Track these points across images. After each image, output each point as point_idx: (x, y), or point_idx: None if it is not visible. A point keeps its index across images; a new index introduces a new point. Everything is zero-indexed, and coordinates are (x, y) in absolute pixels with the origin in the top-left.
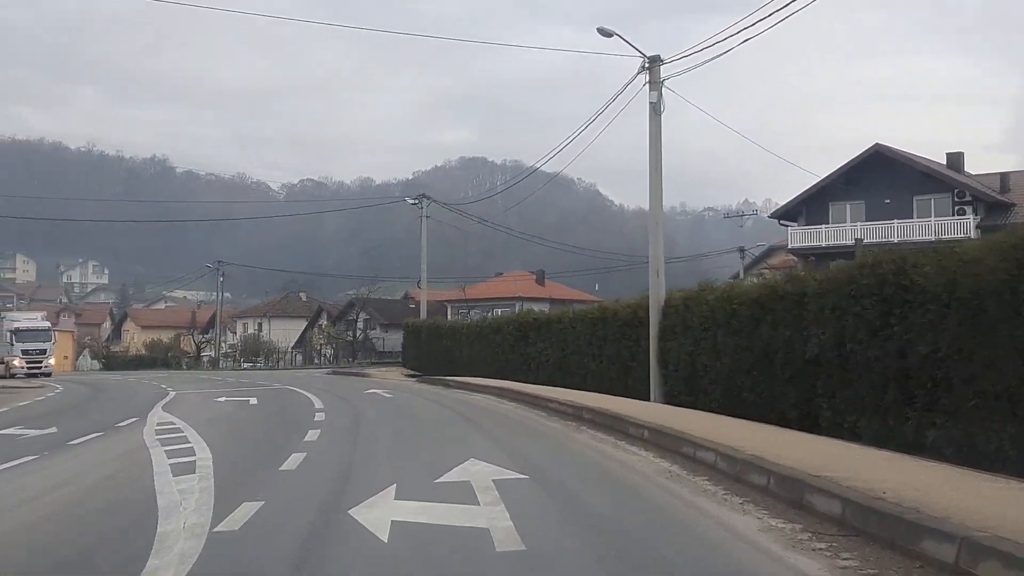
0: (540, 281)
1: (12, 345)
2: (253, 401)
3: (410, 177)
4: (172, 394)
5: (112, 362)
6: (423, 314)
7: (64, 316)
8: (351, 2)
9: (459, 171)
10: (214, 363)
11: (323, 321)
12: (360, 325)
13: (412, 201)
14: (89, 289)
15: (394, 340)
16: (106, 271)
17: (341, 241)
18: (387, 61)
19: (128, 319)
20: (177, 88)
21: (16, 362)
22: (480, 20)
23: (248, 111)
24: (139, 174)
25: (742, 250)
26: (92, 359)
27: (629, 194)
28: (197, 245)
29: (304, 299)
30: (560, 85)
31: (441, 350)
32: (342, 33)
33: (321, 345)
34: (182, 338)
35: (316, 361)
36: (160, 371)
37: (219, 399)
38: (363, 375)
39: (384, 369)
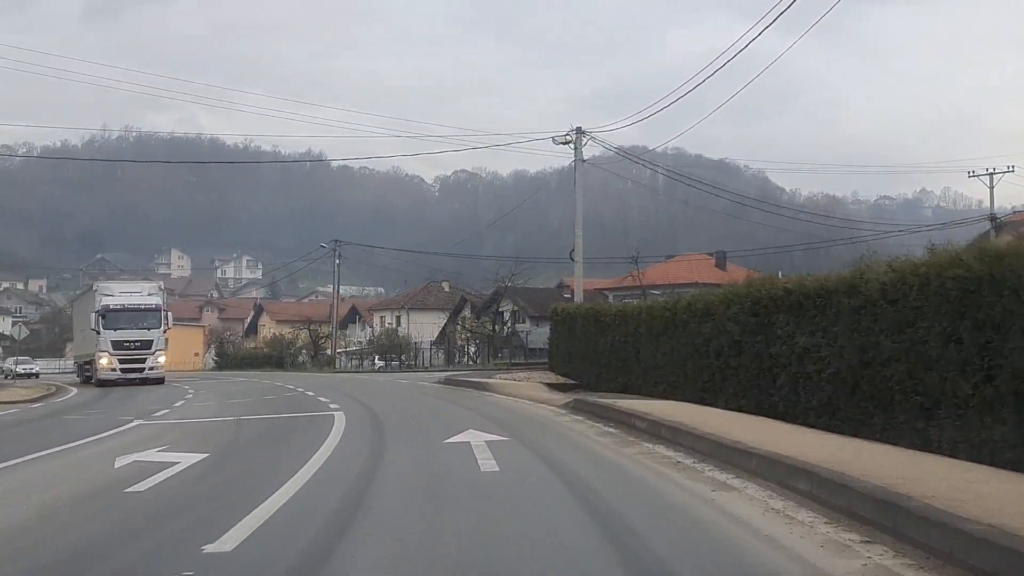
0: (721, 264)
1: (99, 333)
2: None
3: (565, 166)
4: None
5: (226, 360)
6: (578, 296)
7: (207, 311)
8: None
9: (615, 159)
10: (330, 361)
11: (466, 313)
12: (506, 317)
13: (563, 139)
14: (242, 283)
15: (543, 335)
16: (260, 266)
17: (495, 233)
18: (539, 59)
19: (264, 313)
20: (339, 90)
21: (104, 360)
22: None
23: (406, 110)
24: (294, 169)
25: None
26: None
27: (797, 181)
28: (350, 238)
29: (447, 289)
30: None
31: (605, 348)
32: (499, 33)
33: (464, 341)
34: (299, 333)
35: (458, 359)
36: (260, 371)
37: None
38: (483, 385)
39: (524, 373)
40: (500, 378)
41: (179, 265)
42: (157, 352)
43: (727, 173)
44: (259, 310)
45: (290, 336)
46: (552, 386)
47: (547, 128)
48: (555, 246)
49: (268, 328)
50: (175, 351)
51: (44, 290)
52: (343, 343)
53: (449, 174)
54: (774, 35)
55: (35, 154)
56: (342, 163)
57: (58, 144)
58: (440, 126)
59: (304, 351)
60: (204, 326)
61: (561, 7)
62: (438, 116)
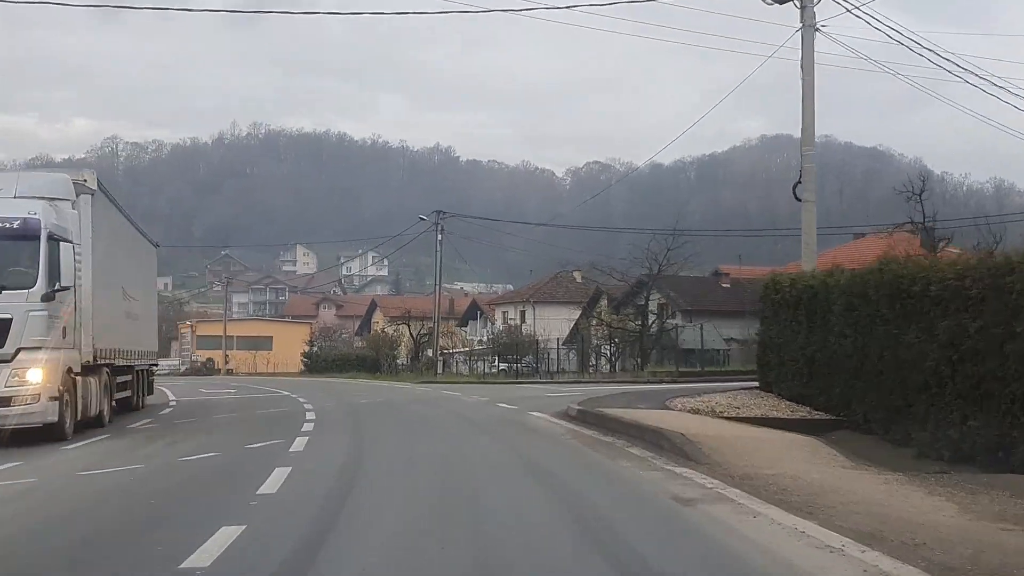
0: (929, 244)
1: None
2: None
3: (705, 154)
4: None
5: (315, 362)
6: (808, 262)
7: (324, 307)
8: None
9: (760, 151)
10: (430, 365)
11: (602, 307)
12: (653, 310)
13: None
14: (366, 280)
15: (695, 334)
16: (386, 262)
17: (631, 227)
18: (672, 55)
19: (377, 309)
20: (470, 90)
21: None
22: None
23: (536, 108)
24: (421, 165)
25: None
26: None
27: (960, 167)
28: (478, 233)
29: (579, 280)
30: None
31: (922, 353)
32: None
33: (600, 340)
34: (397, 329)
35: (593, 363)
36: (335, 376)
37: None
38: (682, 448)
39: (721, 398)
40: (687, 407)
41: (304, 262)
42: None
43: (880, 161)
44: (373, 306)
45: (394, 334)
46: (797, 424)
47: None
48: (699, 241)
49: (380, 325)
50: (280, 347)
51: (169, 287)
52: (458, 342)
53: (580, 166)
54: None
55: (165, 153)
56: (470, 158)
57: (188, 143)
58: (572, 121)
59: (406, 352)
60: (311, 323)
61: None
62: (574, 112)
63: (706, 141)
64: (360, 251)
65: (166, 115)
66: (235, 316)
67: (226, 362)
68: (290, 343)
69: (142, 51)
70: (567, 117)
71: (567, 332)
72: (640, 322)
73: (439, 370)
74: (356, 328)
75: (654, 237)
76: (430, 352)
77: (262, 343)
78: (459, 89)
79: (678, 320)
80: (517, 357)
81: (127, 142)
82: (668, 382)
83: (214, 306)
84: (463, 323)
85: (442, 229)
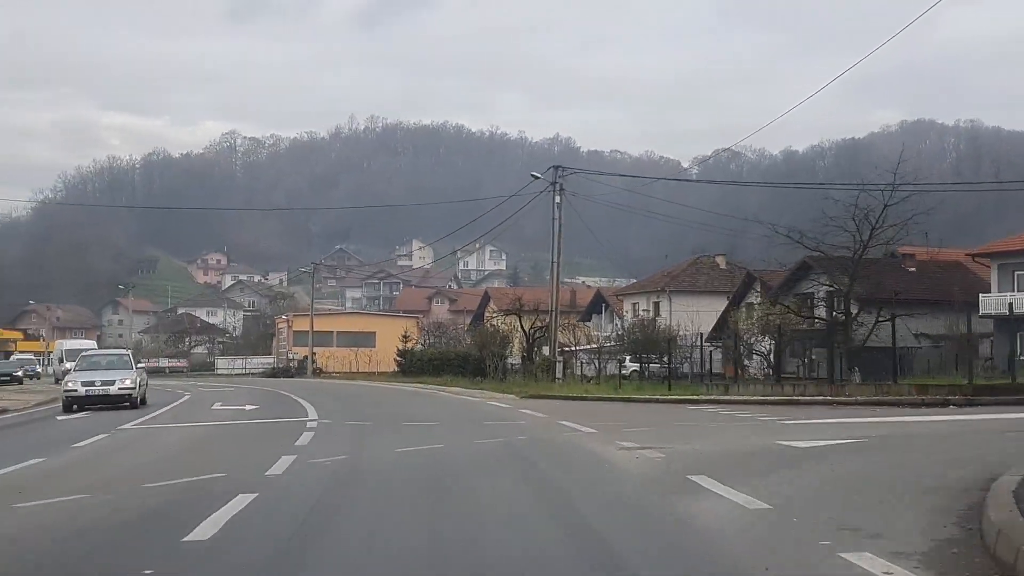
0: None
1: None
2: None
3: (843, 139)
4: None
5: (411, 362)
6: None
7: (437, 302)
8: None
9: (901, 136)
10: (547, 366)
11: (754, 297)
12: (820, 299)
13: None
14: (484, 274)
15: (883, 330)
16: (503, 256)
17: (767, 216)
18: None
19: (490, 302)
20: (590, 84)
21: None
22: None
23: (659, 102)
24: (540, 156)
25: None
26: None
27: None
28: (602, 224)
29: (723, 266)
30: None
31: None
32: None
33: (754, 336)
34: (508, 323)
35: (746, 362)
36: (433, 384)
37: None
38: None
39: None
40: None
41: (420, 256)
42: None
43: None
44: (485, 298)
45: (505, 329)
46: None
47: (815, 109)
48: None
49: (491, 320)
50: (384, 344)
51: (284, 283)
52: (581, 336)
53: (708, 154)
54: None
55: (282, 148)
56: (592, 149)
57: (305, 138)
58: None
59: (519, 350)
60: (417, 317)
61: None
62: (699, 105)
63: (844, 128)
64: (477, 244)
65: (287, 115)
66: (336, 310)
67: (312, 361)
68: (395, 340)
69: (269, 55)
70: (691, 110)
71: (711, 326)
72: (847, 313)
73: (558, 374)
74: (468, 323)
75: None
76: (546, 350)
77: (364, 339)
78: (578, 84)
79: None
80: (652, 356)
81: (245, 137)
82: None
83: (328, 302)
84: (586, 317)
85: (561, 188)
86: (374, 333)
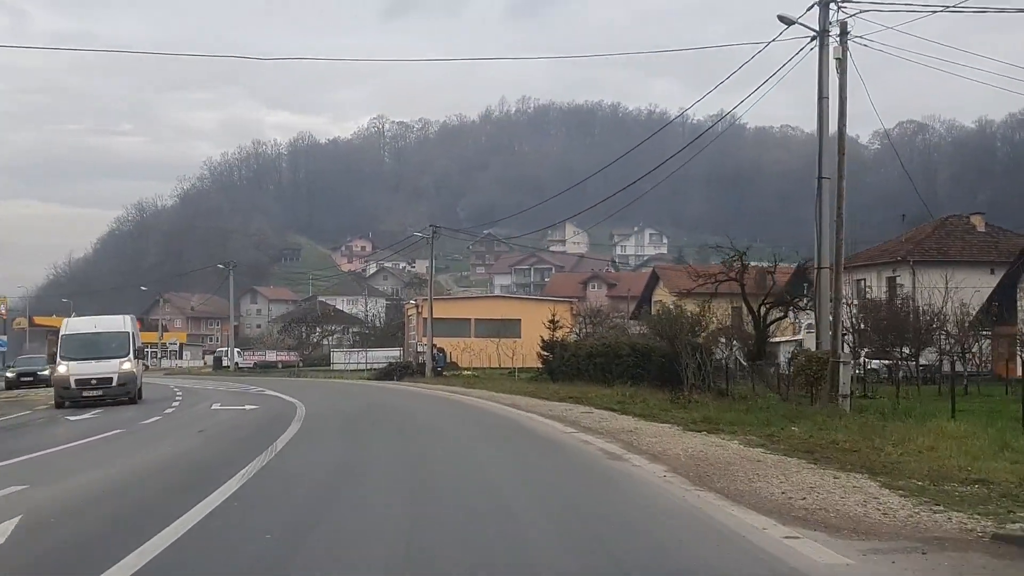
0: None
1: None
2: None
3: None
4: None
5: (561, 359)
6: None
7: (593, 286)
8: None
9: None
10: (816, 376)
11: None
12: None
13: None
14: (643, 259)
15: None
16: (664, 240)
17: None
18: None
19: (660, 283)
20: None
21: None
22: None
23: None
24: (703, 134)
25: None
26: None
27: None
28: (772, 206)
29: (980, 228)
30: None
31: None
32: None
33: None
34: (712, 308)
35: None
36: (587, 405)
37: None
38: None
39: None
40: None
41: (574, 241)
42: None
43: None
44: (653, 280)
45: (694, 312)
46: None
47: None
48: None
49: (664, 304)
50: (529, 333)
51: (433, 270)
52: (784, 327)
53: (891, 127)
54: None
55: (431, 132)
56: (758, 125)
57: (455, 121)
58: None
59: (731, 341)
60: (572, 302)
61: None
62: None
63: None
64: (635, 228)
65: (439, 106)
66: (474, 293)
67: (435, 355)
68: (544, 328)
69: (421, 50)
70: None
71: (970, 307)
72: None
73: (844, 390)
74: (632, 310)
75: None
76: (780, 348)
77: (507, 328)
78: (737, 66)
79: None
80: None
81: (393, 122)
82: None
83: (476, 290)
84: (787, 299)
85: (842, 32)
86: (519, 320)
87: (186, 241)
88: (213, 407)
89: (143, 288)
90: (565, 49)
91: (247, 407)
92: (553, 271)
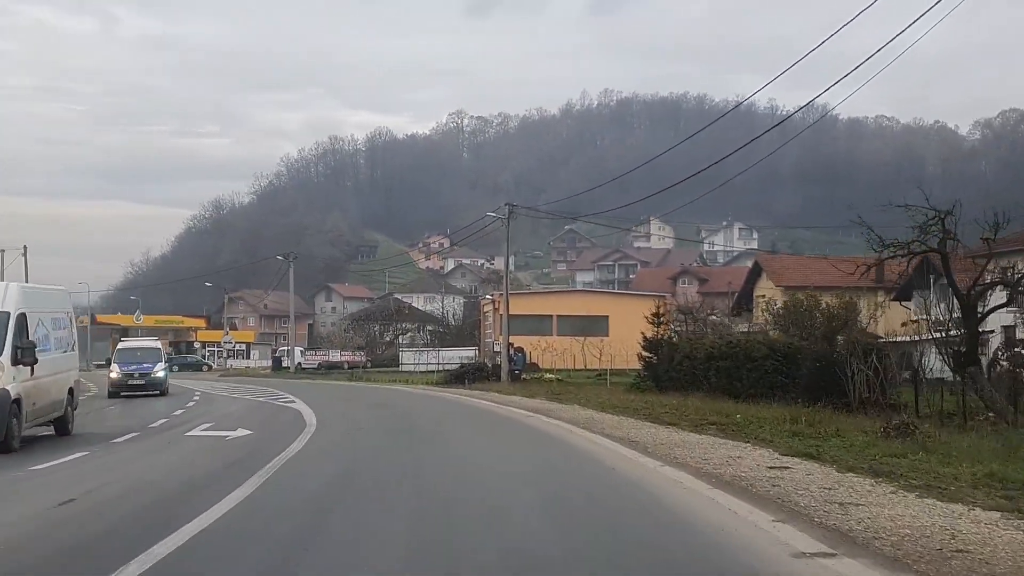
0: None
1: None
2: None
3: None
4: None
5: (669, 364)
6: None
7: (683, 282)
8: None
9: None
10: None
11: None
12: None
13: None
14: (732, 255)
15: None
16: (755, 235)
17: None
18: None
19: (762, 276)
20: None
21: None
22: None
23: (917, 75)
24: (792, 126)
25: None
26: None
27: None
28: (866, 199)
29: None
30: None
31: None
32: None
33: None
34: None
35: None
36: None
37: None
38: None
39: None
40: None
41: (659, 236)
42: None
43: None
44: (755, 272)
45: (832, 304)
46: None
47: None
48: None
49: (769, 298)
50: (618, 332)
51: (511, 267)
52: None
53: (994, 116)
54: None
55: (511, 127)
56: (851, 116)
57: (535, 116)
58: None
59: (931, 341)
60: (665, 297)
61: None
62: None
63: None
64: (724, 223)
65: (519, 101)
66: (556, 288)
67: (513, 356)
68: (633, 326)
69: (503, 48)
70: (955, 80)
71: None
72: None
73: None
74: (731, 306)
75: None
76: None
77: (593, 325)
78: (825, 62)
79: None
80: None
81: (472, 117)
82: None
83: (557, 288)
84: (902, 295)
85: None
86: (606, 317)
87: (261, 238)
88: (191, 432)
89: (207, 284)
90: (647, 45)
91: (232, 434)
92: (639, 267)
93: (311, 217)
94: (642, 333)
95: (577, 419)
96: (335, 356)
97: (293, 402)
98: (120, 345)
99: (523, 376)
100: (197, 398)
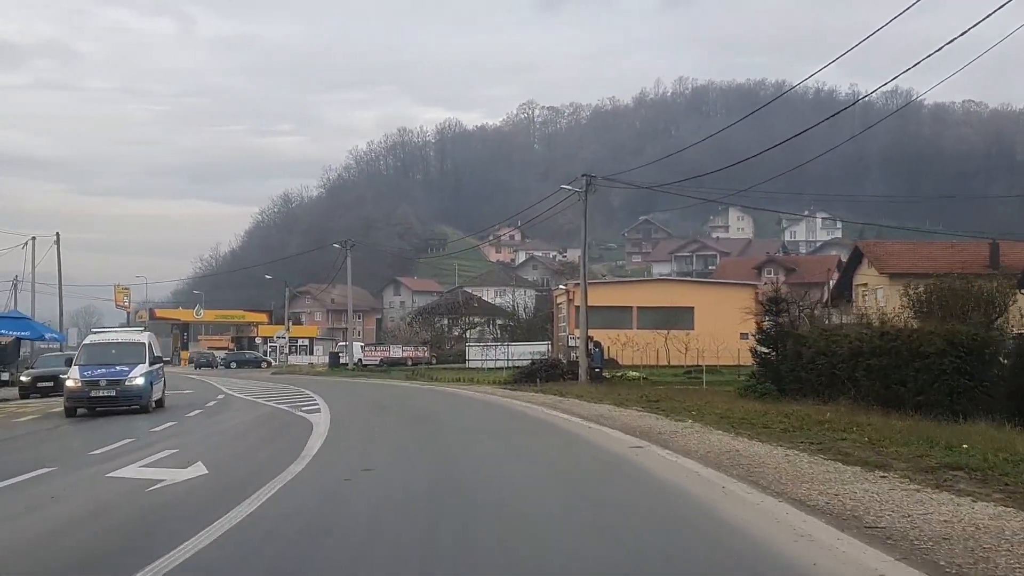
0: None
1: None
2: None
3: None
4: None
5: (795, 362)
6: None
7: (768, 271)
8: None
9: None
10: None
11: None
12: None
13: None
14: (815, 246)
15: None
16: (839, 225)
17: None
18: None
19: (863, 262)
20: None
21: None
22: None
23: (1005, 59)
24: (875, 113)
25: None
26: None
27: None
28: (952, 188)
29: None
30: None
31: None
32: None
33: None
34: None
35: None
36: None
37: None
38: None
39: None
40: None
41: (738, 227)
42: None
43: None
44: (855, 259)
45: (988, 289)
46: None
47: None
48: None
49: (873, 288)
50: (705, 324)
51: (574, 267)
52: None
53: None
54: None
55: (583, 117)
56: (938, 101)
57: (607, 105)
58: None
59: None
60: (753, 286)
61: None
62: None
63: None
64: (806, 212)
65: (591, 92)
66: (635, 277)
67: (591, 350)
68: (722, 318)
69: (573, 43)
70: None
71: None
72: None
73: None
74: (825, 297)
75: None
76: None
77: (676, 317)
78: (905, 49)
79: None
80: None
81: (543, 107)
82: None
83: (636, 277)
84: None
85: None
86: (691, 309)
87: (329, 232)
88: (121, 471)
89: (267, 276)
90: (721, 35)
91: (171, 480)
92: (718, 258)
93: (380, 210)
94: (757, 325)
95: (722, 458)
96: (396, 352)
97: (317, 410)
98: (88, 339)
99: (604, 373)
100: (211, 405)
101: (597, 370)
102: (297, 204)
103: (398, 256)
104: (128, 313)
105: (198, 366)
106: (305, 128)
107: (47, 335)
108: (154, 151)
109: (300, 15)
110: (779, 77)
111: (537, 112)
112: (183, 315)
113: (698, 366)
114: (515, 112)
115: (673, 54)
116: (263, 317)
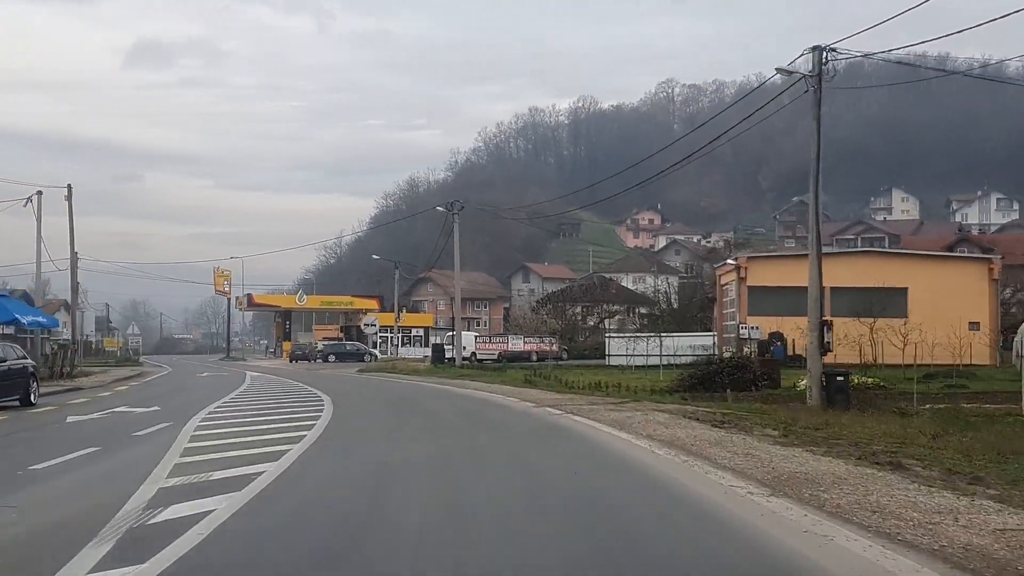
0: None
1: None
2: None
3: None
4: None
5: None
6: None
7: (961, 248)
8: None
9: None
10: None
11: None
12: None
13: None
14: (991, 228)
15: None
16: (1015, 206)
17: None
18: None
19: None
20: None
21: None
22: None
23: None
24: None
25: None
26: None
27: None
28: None
29: None
30: None
31: None
32: None
33: None
34: None
35: None
36: None
37: None
38: None
39: None
40: None
41: (903, 209)
42: None
43: None
44: None
45: None
46: None
47: None
48: None
49: None
50: (923, 310)
51: (730, 245)
52: None
53: None
54: None
55: (726, 95)
56: None
57: (753, 80)
58: None
59: None
60: (990, 259)
61: None
62: None
63: None
64: (979, 192)
65: (732, 71)
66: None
67: (772, 342)
68: (949, 299)
69: (702, 31)
70: None
71: None
72: None
73: None
74: None
75: None
76: None
77: (885, 301)
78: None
79: None
80: None
81: (684, 85)
82: None
83: (828, 249)
84: None
85: None
86: (904, 291)
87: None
88: None
89: (375, 256)
90: (859, 17)
91: None
92: (886, 240)
93: (509, 194)
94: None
95: None
96: (517, 345)
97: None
98: None
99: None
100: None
101: (840, 382)
102: (424, 188)
103: (528, 242)
104: (228, 299)
105: (293, 358)
106: (440, 121)
107: (25, 319)
108: (296, 147)
109: (436, 10)
110: (942, 48)
111: (677, 90)
112: (284, 301)
113: (927, 366)
114: (653, 91)
115: (817, 34)
116: (374, 304)
